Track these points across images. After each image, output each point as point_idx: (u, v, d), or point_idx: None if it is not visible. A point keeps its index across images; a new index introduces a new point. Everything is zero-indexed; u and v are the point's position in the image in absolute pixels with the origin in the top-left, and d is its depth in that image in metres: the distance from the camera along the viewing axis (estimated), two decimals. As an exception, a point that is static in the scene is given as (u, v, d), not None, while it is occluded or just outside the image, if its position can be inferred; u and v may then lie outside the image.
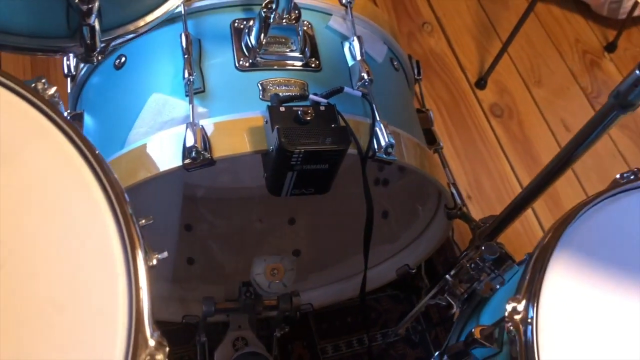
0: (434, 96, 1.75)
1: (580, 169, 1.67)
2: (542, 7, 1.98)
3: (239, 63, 0.89)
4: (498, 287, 0.87)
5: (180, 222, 1.23)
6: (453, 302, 0.95)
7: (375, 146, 0.86)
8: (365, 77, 0.91)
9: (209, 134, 0.82)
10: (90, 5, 0.63)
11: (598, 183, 1.63)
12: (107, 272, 0.55)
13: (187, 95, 0.85)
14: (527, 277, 0.71)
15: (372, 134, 0.87)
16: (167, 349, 0.53)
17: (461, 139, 1.70)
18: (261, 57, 0.89)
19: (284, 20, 0.88)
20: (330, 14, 0.98)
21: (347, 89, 0.87)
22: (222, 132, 0.83)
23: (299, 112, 0.80)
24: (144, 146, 0.85)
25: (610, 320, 0.69)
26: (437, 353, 0.88)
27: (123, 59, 0.95)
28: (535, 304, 0.68)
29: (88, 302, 0.54)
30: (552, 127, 1.76)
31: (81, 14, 0.65)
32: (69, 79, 1.02)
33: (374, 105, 0.89)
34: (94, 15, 0.65)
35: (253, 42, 0.89)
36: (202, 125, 0.82)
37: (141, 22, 0.76)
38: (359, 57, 0.93)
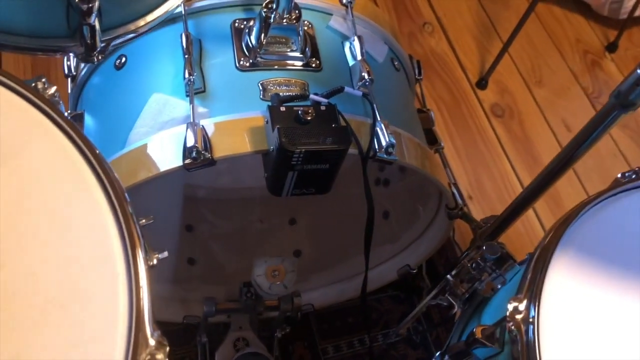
0: (434, 96, 1.75)
1: (581, 168, 1.67)
2: (542, 7, 1.98)
3: (239, 63, 0.89)
4: (499, 286, 0.87)
5: (181, 222, 1.23)
6: (454, 302, 0.95)
7: (376, 146, 0.86)
8: (366, 77, 0.90)
9: (209, 134, 0.82)
10: (90, 5, 0.63)
11: (599, 183, 1.63)
12: (108, 271, 0.55)
13: (187, 95, 0.85)
14: (529, 277, 0.71)
15: (373, 133, 0.87)
16: (168, 348, 0.53)
17: (462, 139, 1.69)
18: (262, 57, 0.89)
19: (284, 20, 0.88)
20: (331, 14, 0.98)
21: (347, 89, 0.87)
22: (222, 132, 0.83)
23: (300, 112, 0.80)
24: (145, 146, 0.85)
25: (611, 319, 0.69)
26: (438, 353, 0.88)
27: (123, 59, 0.95)
28: (537, 304, 0.68)
29: (88, 301, 0.54)
30: (553, 127, 1.76)
31: (81, 14, 0.65)
32: (69, 80, 1.02)
33: (374, 105, 0.88)
34: (94, 15, 0.65)
35: (253, 42, 0.89)
36: (202, 125, 0.82)
37: (141, 22, 0.76)
38: (359, 57, 0.93)
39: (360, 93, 0.90)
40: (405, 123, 0.97)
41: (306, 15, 0.93)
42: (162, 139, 0.85)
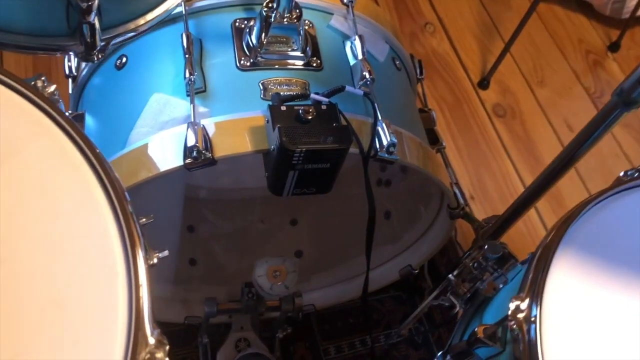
0: (436, 96, 1.75)
1: (583, 168, 1.66)
2: (544, 7, 1.98)
3: (240, 63, 0.89)
4: (501, 286, 0.87)
5: (182, 223, 1.23)
6: (456, 302, 0.95)
7: (377, 145, 0.86)
8: (367, 76, 0.90)
9: (210, 133, 0.82)
10: (89, 3, 0.63)
11: (601, 183, 1.62)
12: (107, 270, 0.55)
13: (188, 95, 0.85)
14: (530, 276, 0.70)
15: (374, 133, 0.87)
16: (167, 347, 0.53)
17: (464, 139, 1.69)
18: (262, 57, 0.89)
19: (285, 20, 0.87)
20: (332, 13, 0.98)
21: (348, 88, 0.87)
22: (223, 132, 0.83)
23: (300, 111, 0.80)
24: (145, 146, 0.85)
25: (613, 318, 0.69)
26: (440, 353, 0.88)
27: (124, 59, 0.95)
28: (539, 303, 0.67)
29: (88, 300, 0.54)
30: (555, 127, 1.76)
31: (81, 12, 0.65)
32: (70, 80, 1.02)
33: (375, 105, 0.88)
34: (93, 13, 0.65)
35: (254, 41, 0.89)
36: (203, 125, 0.82)
37: (141, 21, 0.76)
38: (360, 56, 0.93)
39: (361, 92, 0.89)
40: (407, 122, 0.97)
41: (307, 15, 0.93)
42: (162, 139, 0.85)
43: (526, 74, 1.85)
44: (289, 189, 0.86)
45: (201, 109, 0.85)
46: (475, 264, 0.89)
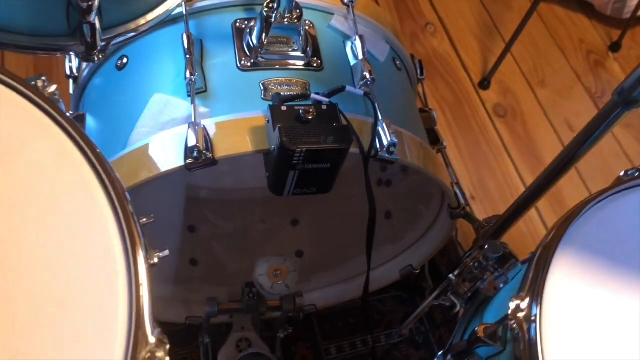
0: (437, 97, 1.75)
1: (584, 168, 1.66)
2: (545, 7, 1.98)
3: (240, 63, 0.89)
4: (502, 286, 0.87)
5: (183, 223, 1.23)
6: (457, 302, 0.95)
7: (378, 145, 0.86)
8: (368, 76, 0.90)
9: (210, 134, 0.82)
10: (90, 3, 0.64)
11: (602, 183, 1.61)
12: (108, 270, 0.55)
13: (189, 96, 0.85)
14: (531, 275, 0.71)
15: (375, 133, 0.87)
16: (168, 346, 0.53)
17: (465, 139, 1.69)
18: (263, 57, 0.89)
19: (285, 20, 0.87)
20: (332, 14, 0.98)
21: (349, 88, 0.87)
22: (224, 132, 0.83)
23: (301, 111, 0.80)
24: (146, 146, 0.85)
25: (614, 318, 0.69)
26: (440, 352, 0.88)
27: (125, 59, 0.95)
28: (539, 302, 0.67)
29: (88, 299, 0.54)
30: (556, 127, 1.76)
31: (81, 12, 0.65)
32: (71, 81, 1.02)
33: (376, 105, 0.88)
34: (94, 13, 0.65)
35: (255, 42, 0.89)
36: (204, 125, 0.82)
37: (142, 21, 0.76)
38: (361, 57, 0.93)
39: (361, 92, 0.89)
40: (407, 122, 0.97)
41: (307, 15, 0.93)
42: (163, 139, 0.85)
43: (527, 74, 1.85)
44: (289, 189, 0.86)
45: (202, 109, 0.85)
46: (476, 264, 0.89)
